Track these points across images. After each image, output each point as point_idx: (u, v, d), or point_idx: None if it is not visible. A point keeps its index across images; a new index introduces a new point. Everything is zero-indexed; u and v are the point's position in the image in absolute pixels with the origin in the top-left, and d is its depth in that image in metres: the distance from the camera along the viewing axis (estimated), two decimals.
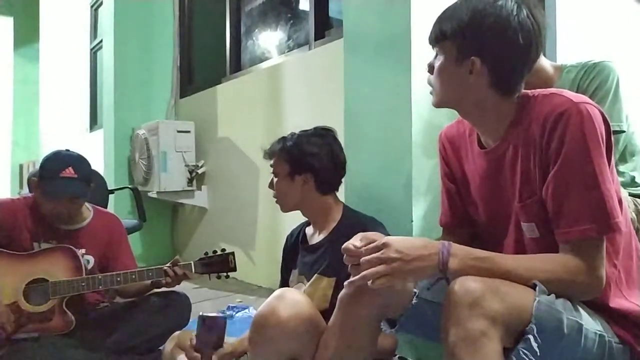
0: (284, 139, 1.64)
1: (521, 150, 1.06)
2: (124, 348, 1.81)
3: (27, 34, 7.71)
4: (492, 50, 1.03)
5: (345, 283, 1.04)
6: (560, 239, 1.00)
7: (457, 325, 0.89)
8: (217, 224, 3.74)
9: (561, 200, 0.98)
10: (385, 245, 0.98)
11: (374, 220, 1.57)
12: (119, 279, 1.80)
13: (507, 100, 1.08)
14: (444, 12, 1.09)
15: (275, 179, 1.64)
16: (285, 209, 1.67)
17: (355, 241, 1.03)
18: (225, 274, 1.88)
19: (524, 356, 0.89)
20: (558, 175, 0.98)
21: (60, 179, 1.78)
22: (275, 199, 1.68)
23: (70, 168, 1.79)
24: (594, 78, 1.53)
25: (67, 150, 1.90)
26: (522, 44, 1.02)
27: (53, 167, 1.79)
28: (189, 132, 3.81)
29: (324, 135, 1.63)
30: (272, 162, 1.65)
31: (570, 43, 1.95)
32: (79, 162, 1.85)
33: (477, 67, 1.04)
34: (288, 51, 3.26)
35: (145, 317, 1.85)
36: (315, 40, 2.89)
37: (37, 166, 1.87)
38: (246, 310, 2.65)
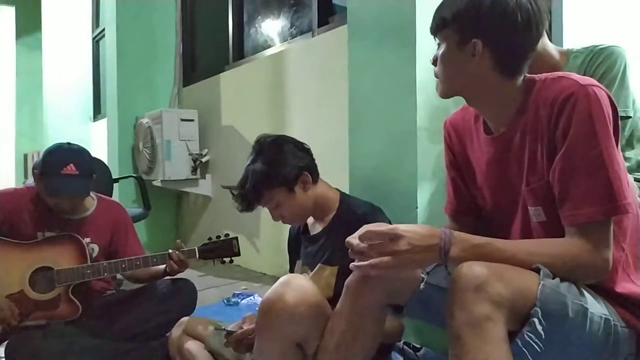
0: (245, 180, 1.53)
1: (529, 134, 1.06)
2: (131, 335, 1.82)
3: (29, 24, 7.67)
4: (492, 30, 1.03)
5: (351, 265, 1.03)
6: (567, 222, 0.99)
7: (462, 310, 0.90)
8: (221, 212, 3.75)
9: (567, 183, 0.98)
10: (397, 237, 0.97)
11: (372, 206, 1.57)
12: (123, 265, 1.81)
13: (511, 83, 1.07)
14: (443, 1, 1.10)
15: (277, 209, 1.56)
16: (304, 220, 1.64)
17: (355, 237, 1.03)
18: (229, 258, 1.89)
19: (529, 339, 0.89)
20: (565, 158, 0.98)
21: (62, 176, 1.77)
22: (290, 223, 1.64)
23: (71, 165, 1.78)
24: (601, 63, 1.52)
25: (69, 143, 1.88)
26: (521, 23, 1.01)
27: (54, 163, 1.79)
28: (192, 120, 3.80)
29: (276, 141, 1.56)
30: (260, 205, 1.56)
31: (577, 27, 1.93)
32: (80, 157, 1.84)
33: (479, 49, 1.04)
34: (291, 38, 3.24)
35: (151, 304, 1.87)
36: (318, 27, 2.87)
37: (41, 156, 1.87)
38: (251, 297, 2.68)
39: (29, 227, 1.84)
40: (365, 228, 1.03)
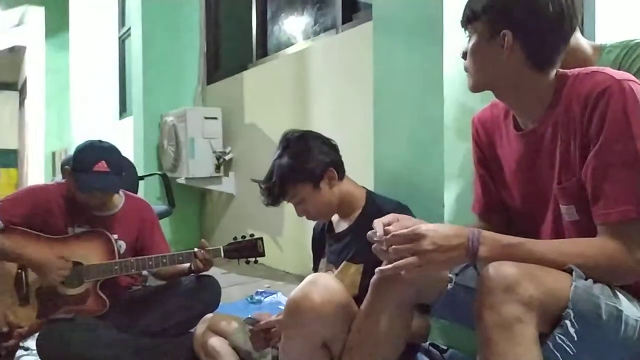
0: (271, 174, 1.53)
1: (561, 130, 1.03)
2: (156, 330, 1.85)
3: (58, 24, 7.85)
4: (522, 21, 1.01)
5: (377, 270, 1.02)
6: (599, 221, 0.97)
7: (492, 311, 0.88)
8: (244, 210, 3.77)
9: (601, 181, 0.95)
10: (419, 237, 0.95)
11: (399, 204, 1.55)
12: (150, 262, 1.84)
13: (543, 77, 1.05)
14: None
15: (302, 205, 1.55)
16: (328, 217, 1.63)
17: (384, 222, 1.02)
18: (253, 259, 1.90)
19: (561, 342, 0.87)
20: (598, 155, 0.95)
21: (94, 173, 1.80)
22: (314, 220, 1.64)
23: (103, 162, 1.81)
24: (636, 58, 1.46)
25: (100, 141, 1.91)
26: (553, 14, 0.99)
27: (86, 160, 1.81)
28: (216, 118, 3.84)
29: (303, 136, 1.56)
30: (286, 200, 1.56)
31: (610, 21, 1.88)
32: (111, 155, 1.87)
33: (509, 41, 1.02)
34: (314, 36, 3.23)
35: (176, 301, 1.89)
36: (342, 24, 2.86)
37: (69, 153, 1.90)
38: (274, 296, 2.68)
39: (59, 222, 1.88)
40: (391, 216, 1.02)
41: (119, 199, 2.01)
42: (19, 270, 1.79)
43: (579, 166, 1.00)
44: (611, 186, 0.94)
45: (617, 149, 0.93)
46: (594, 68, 1.02)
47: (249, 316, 1.52)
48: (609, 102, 0.94)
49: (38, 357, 1.72)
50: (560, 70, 1.06)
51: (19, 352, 1.87)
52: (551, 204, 1.09)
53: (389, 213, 1.42)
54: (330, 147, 1.58)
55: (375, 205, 1.55)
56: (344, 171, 1.59)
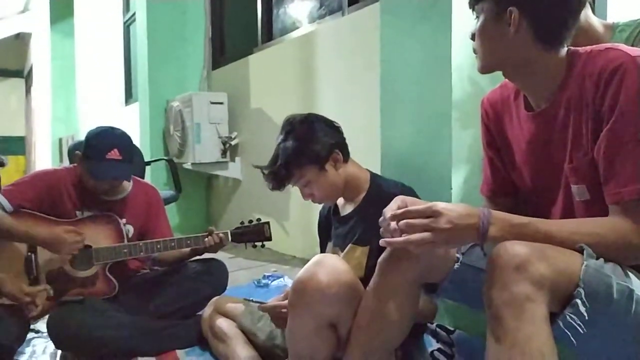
0: (276, 158, 1.51)
1: (573, 109, 1.02)
2: (165, 312, 1.87)
3: (62, 10, 7.83)
4: None
5: (382, 241, 0.99)
6: (611, 200, 0.96)
7: (502, 289, 0.87)
8: (250, 195, 3.78)
9: (613, 159, 0.94)
10: (436, 214, 0.93)
11: (403, 186, 1.54)
12: (159, 246, 1.85)
13: (553, 54, 1.03)
14: None
15: (308, 187, 1.54)
16: (334, 199, 1.62)
17: (394, 205, 1.01)
18: (260, 243, 1.91)
19: (571, 321, 0.87)
20: (611, 133, 0.94)
21: (106, 161, 1.79)
22: (320, 203, 1.62)
23: (115, 150, 1.80)
24: None
25: (112, 128, 1.90)
26: None
27: (99, 147, 1.81)
28: (222, 103, 3.83)
29: (307, 119, 1.54)
30: (291, 184, 1.55)
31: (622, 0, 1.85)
32: (123, 142, 1.86)
33: (516, 18, 1.00)
34: (320, 19, 3.20)
35: (185, 283, 1.91)
36: (348, 5, 2.83)
37: (76, 139, 1.90)
38: (281, 279, 2.70)
39: (68, 206, 1.88)
40: (400, 199, 1.01)
41: (127, 184, 2.01)
42: (29, 253, 1.80)
43: (591, 144, 0.99)
44: (624, 164, 0.93)
45: (630, 126, 0.92)
46: (607, 45, 1.00)
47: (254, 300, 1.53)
48: (622, 79, 0.92)
49: (48, 339, 1.74)
50: (572, 47, 1.04)
51: (30, 335, 1.90)
52: (562, 185, 1.07)
53: (394, 195, 1.41)
54: (333, 129, 1.57)
55: (380, 188, 1.54)
56: (348, 153, 1.58)
